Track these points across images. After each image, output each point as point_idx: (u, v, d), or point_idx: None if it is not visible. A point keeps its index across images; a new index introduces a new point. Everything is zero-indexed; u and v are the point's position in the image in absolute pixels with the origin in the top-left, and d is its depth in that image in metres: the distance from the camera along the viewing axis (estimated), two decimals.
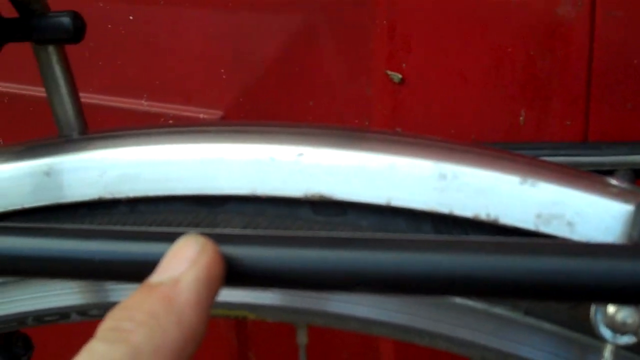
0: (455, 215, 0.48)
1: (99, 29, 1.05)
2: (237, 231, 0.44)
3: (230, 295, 0.56)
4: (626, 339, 0.44)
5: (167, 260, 0.41)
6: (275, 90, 1.05)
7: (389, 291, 0.42)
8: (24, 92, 1.22)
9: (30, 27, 0.58)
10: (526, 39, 0.86)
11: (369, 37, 0.96)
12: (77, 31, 0.58)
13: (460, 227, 0.49)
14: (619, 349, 0.46)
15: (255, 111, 1.07)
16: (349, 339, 1.13)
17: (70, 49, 0.59)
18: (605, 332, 0.45)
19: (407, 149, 0.49)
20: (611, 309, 0.44)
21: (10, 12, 0.57)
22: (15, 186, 0.55)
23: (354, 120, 1.01)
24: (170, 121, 1.11)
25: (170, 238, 0.42)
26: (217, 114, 1.09)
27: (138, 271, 0.42)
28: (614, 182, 0.49)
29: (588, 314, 0.46)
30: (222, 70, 1.07)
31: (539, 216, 0.46)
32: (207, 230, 0.44)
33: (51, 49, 0.59)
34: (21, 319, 0.61)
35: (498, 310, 0.51)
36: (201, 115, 1.09)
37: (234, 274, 0.41)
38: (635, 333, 0.44)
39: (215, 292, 0.40)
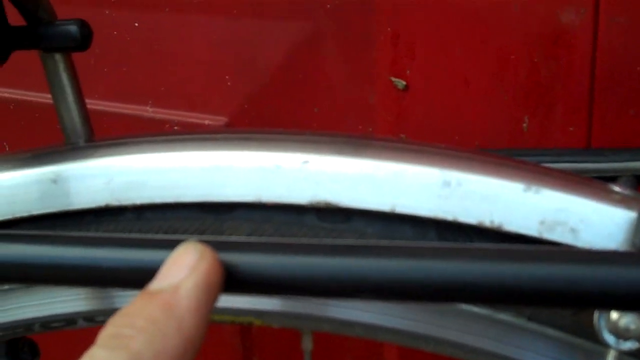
0: (459, 222, 0.48)
1: (104, 36, 1.05)
2: (235, 238, 0.45)
3: (236, 301, 0.56)
4: (629, 345, 0.45)
5: (167, 268, 0.41)
6: (279, 97, 1.05)
7: (386, 298, 0.42)
8: (29, 98, 1.23)
9: (38, 35, 0.58)
10: (529, 46, 0.86)
11: (373, 44, 0.96)
12: (84, 39, 0.58)
13: (464, 233, 0.49)
14: (622, 355, 0.46)
15: (259, 117, 1.07)
16: (353, 344, 1.13)
17: (75, 55, 0.60)
18: (609, 338, 0.45)
19: (412, 157, 0.50)
20: (614, 315, 0.44)
21: (17, 21, 0.58)
22: (22, 193, 0.55)
23: (358, 127, 1.01)
24: (175, 127, 1.11)
25: (170, 245, 0.42)
26: (221, 120, 1.10)
27: (138, 278, 0.43)
28: (617, 189, 0.49)
29: (591, 320, 0.46)
30: (227, 77, 1.07)
31: (542, 223, 0.46)
32: (205, 237, 0.45)
33: (58, 56, 0.59)
34: (28, 325, 0.61)
35: (502, 316, 0.51)
36: (206, 122, 1.10)
37: (233, 280, 0.42)
38: (638, 339, 0.44)
39: (214, 299, 0.41)
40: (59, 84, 0.60)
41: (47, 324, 0.61)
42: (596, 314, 0.45)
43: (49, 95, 0.60)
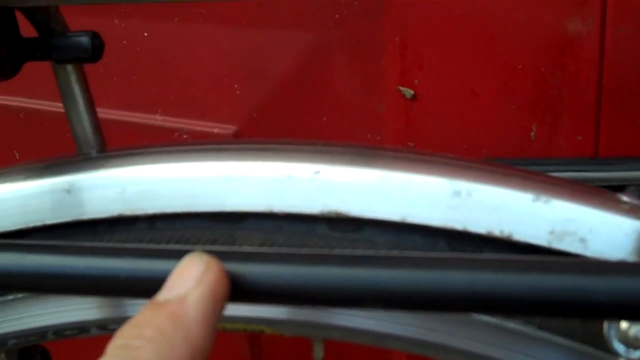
0: (469, 231, 0.48)
1: (114, 45, 1.06)
2: (240, 248, 0.45)
3: (247, 309, 0.57)
4: (639, 354, 0.45)
5: (174, 278, 0.42)
6: (288, 106, 1.06)
7: (390, 308, 0.42)
8: (39, 107, 1.23)
9: (50, 47, 0.58)
10: (537, 56, 0.86)
11: (382, 54, 0.96)
12: (96, 50, 0.58)
13: (474, 243, 0.49)
14: None
15: (268, 126, 1.07)
16: (363, 352, 1.13)
17: (85, 64, 0.60)
18: (619, 347, 0.45)
19: (422, 167, 0.50)
20: (624, 324, 0.45)
21: (30, 32, 0.58)
22: (36, 203, 0.56)
23: (366, 136, 1.02)
24: (185, 136, 1.12)
25: (177, 256, 0.43)
26: (230, 128, 1.10)
27: (146, 288, 0.43)
28: (625, 198, 0.49)
29: (601, 329, 0.46)
30: (236, 86, 1.07)
31: (552, 233, 0.47)
32: (209, 247, 0.45)
33: (70, 67, 0.60)
34: (42, 333, 0.61)
35: (512, 324, 0.51)
36: (215, 130, 1.10)
37: (238, 290, 0.42)
38: None
39: (220, 309, 0.41)
40: (71, 95, 0.60)
41: (60, 331, 0.61)
42: (606, 323, 0.46)
43: (59, 104, 0.60)
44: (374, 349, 1.04)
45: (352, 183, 0.50)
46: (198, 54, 1.09)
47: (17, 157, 1.29)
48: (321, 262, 0.42)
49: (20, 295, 0.61)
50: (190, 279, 0.41)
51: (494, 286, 0.40)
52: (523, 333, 0.51)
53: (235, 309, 0.57)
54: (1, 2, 0.53)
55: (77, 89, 0.60)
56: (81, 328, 0.61)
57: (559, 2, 0.84)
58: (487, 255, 0.47)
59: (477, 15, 0.88)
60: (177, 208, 0.53)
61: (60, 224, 0.56)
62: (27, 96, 1.24)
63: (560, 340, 0.50)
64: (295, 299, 0.43)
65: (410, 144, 0.97)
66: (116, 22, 1.11)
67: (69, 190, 0.55)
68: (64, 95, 0.60)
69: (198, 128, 1.11)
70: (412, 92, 0.94)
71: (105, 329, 0.61)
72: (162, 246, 0.54)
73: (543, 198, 0.47)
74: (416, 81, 0.94)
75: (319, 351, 0.61)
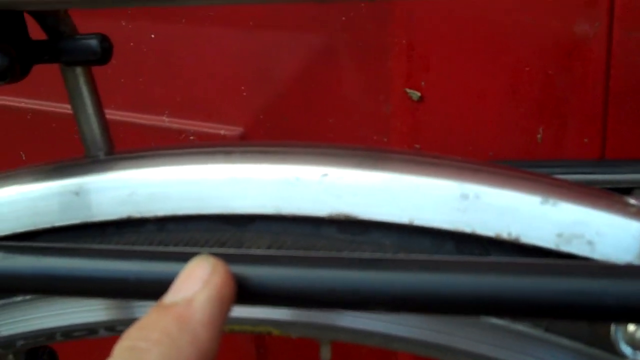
0: (477, 234, 0.48)
1: (121, 47, 1.06)
2: (246, 251, 0.46)
3: (254, 311, 0.57)
4: None
5: (181, 281, 0.42)
6: (294, 107, 1.06)
7: (392, 310, 0.43)
8: (46, 108, 1.23)
9: (59, 49, 0.58)
10: (544, 58, 0.87)
11: (388, 56, 0.97)
12: (105, 53, 0.59)
13: (482, 245, 0.50)
14: None
15: (275, 128, 1.08)
16: (370, 353, 1.13)
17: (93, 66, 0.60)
18: (626, 349, 0.45)
19: (430, 169, 0.50)
20: (631, 327, 0.45)
21: (38, 34, 0.58)
22: (45, 205, 0.56)
23: (373, 137, 1.02)
24: (191, 137, 1.12)
25: (184, 258, 0.43)
26: (237, 130, 1.10)
27: (153, 290, 0.44)
28: (632, 201, 0.49)
29: (608, 331, 0.46)
30: (243, 88, 1.07)
31: (559, 235, 0.47)
32: (215, 250, 0.46)
33: (79, 70, 0.60)
34: (50, 334, 0.62)
35: (519, 327, 0.51)
36: (221, 132, 1.10)
37: (244, 292, 0.43)
38: None
39: (226, 311, 0.42)
40: (80, 97, 0.60)
41: (68, 333, 0.61)
42: (613, 326, 0.46)
43: (66, 105, 0.60)
44: (381, 351, 1.04)
45: (360, 186, 0.50)
46: (205, 56, 1.09)
47: (24, 158, 1.29)
48: (326, 265, 0.43)
49: (28, 296, 0.61)
50: (197, 281, 0.42)
51: (502, 289, 0.40)
52: (530, 335, 0.51)
53: (243, 311, 0.57)
54: (11, 5, 0.53)
55: (85, 92, 0.60)
56: (90, 329, 0.61)
57: (566, 4, 0.84)
58: (495, 258, 0.47)
59: (483, 17, 0.89)
60: (186, 210, 0.54)
61: (69, 226, 0.56)
62: (34, 98, 1.25)
63: (567, 342, 0.50)
64: (300, 301, 0.43)
65: (417, 145, 0.97)
66: (123, 23, 1.11)
67: (77, 193, 0.55)
68: (73, 98, 0.60)
69: (204, 129, 1.11)
70: (418, 94, 0.94)
71: (114, 331, 0.61)
72: (168, 249, 0.54)
73: (551, 201, 0.47)
74: (423, 83, 0.94)
75: (326, 353, 0.61)
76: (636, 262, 0.45)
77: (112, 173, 0.55)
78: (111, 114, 1.11)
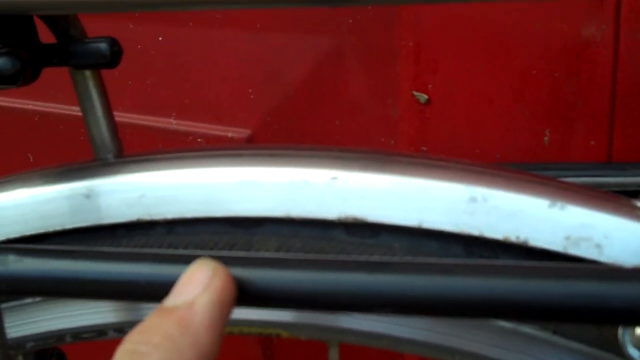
0: (485, 237, 0.49)
1: (129, 50, 1.07)
2: (246, 254, 0.46)
3: (263, 314, 0.57)
4: None
5: (182, 284, 0.43)
6: (302, 110, 1.06)
7: (386, 312, 0.43)
8: (53, 110, 1.24)
9: (69, 53, 0.58)
10: (551, 61, 0.87)
11: (396, 59, 0.97)
12: (114, 56, 0.59)
13: (490, 248, 0.50)
14: None
15: (282, 130, 1.08)
16: (377, 355, 1.13)
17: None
18: (633, 352, 0.46)
19: (438, 172, 0.50)
20: (639, 329, 0.45)
21: (48, 38, 0.59)
22: (56, 208, 0.56)
23: (380, 140, 1.02)
24: (199, 139, 1.12)
25: (186, 261, 0.43)
26: (244, 132, 1.10)
27: (155, 292, 0.44)
28: None
29: (616, 334, 0.47)
30: (250, 90, 1.08)
31: (567, 238, 0.47)
32: (214, 252, 0.46)
33: (88, 73, 0.60)
34: (60, 335, 0.62)
35: (527, 329, 0.51)
36: (229, 134, 1.10)
37: (245, 295, 0.43)
38: None
39: (227, 314, 0.42)
40: (89, 100, 0.60)
41: (78, 334, 0.62)
42: (620, 329, 0.46)
43: (73, 107, 0.61)
44: (389, 353, 1.04)
45: (369, 188, 0.50)
46: (212, 58, 1.10)
47: (32, 160, 1.30)
48: (325, 268, 0.43)
49: (37, 299, 0.62)
50: (198, 285, 0.42)
51: (510, 292, 0.40)
52: (538, 338, 0.51)
53: (252, 313, 0.57)
54: (21, 10, 0.53)
55: (94, 95, 0.60)
56: (99, 331, 0.61)
57: (573, 8, 0.84)
58: (503, 261, 0.47)
59: (491, 20, 0.89)
60: (195, 213, 0.54)
61: (79, 229, 0.56)
62: (41, 100, 1.25)
63: (575, 345, 0.50)
64: (299, 303, 0.44)
65: (424, 148, 0.97)
66: (131, 26, 1.12)
67: (87, 195, 0.56)
68: (82, 101, 0.60)
69: (212, 132, 1.12)
70: (426, 96, 0.94)
71: (123, 332, 0.61)
72: (170, 251, 0.54)
73: (559, 204, 0.47)
74: (430, 86, 0.94)
75: (334, 354, 0.61)
76: None
77: (122, 176, 0.56)
78: (119, 116, 1.12)
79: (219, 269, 0.43)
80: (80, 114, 0.61)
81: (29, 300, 0.61)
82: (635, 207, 0.48)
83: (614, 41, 0.83)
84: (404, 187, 0.50)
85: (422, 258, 0.50)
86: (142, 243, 0.56)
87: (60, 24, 0.58)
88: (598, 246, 0.46)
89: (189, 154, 0.57)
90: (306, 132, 1.06)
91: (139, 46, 1.12)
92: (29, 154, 1.30)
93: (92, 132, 0.61)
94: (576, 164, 0.86)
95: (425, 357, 0.56)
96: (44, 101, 1.24)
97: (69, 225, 0.56)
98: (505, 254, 0.49)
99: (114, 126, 0.62)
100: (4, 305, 0.61)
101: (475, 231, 0.49)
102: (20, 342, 0.63)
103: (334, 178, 0.51)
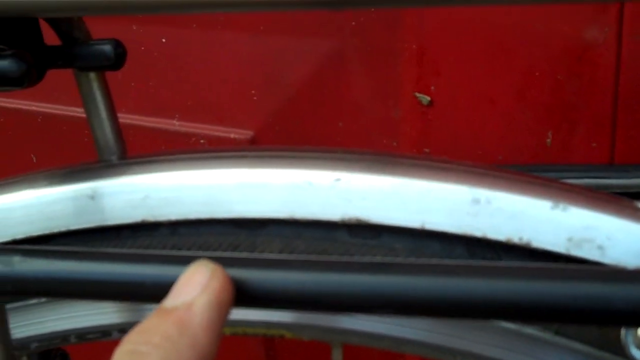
0: (488, 238, 0.49)
1: (132, 51, 1.07)
2: (243, 255, 0.46)
3: (267, 314, 0.57)
4: None
5: (180, 285, 0.43)
6: (304, 112, 1.06)
7: (384, 313, 0.43)
8: (56, 111, 1.24)
9: (73, 55, 0.59)
10: (553, 63, 0.87)
11: (398, 61, 0.97)
12: (118, 58, 0.59)
13: (493, 250, 0.50)
14: None
15: (285, 132, 1.08)
16: (380, 356, 1.13)
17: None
18: (636, 353, 0.46)
19: (441, 174, 0.50)
20: None
21: (53, 40, 0.59)
22: (60, 209, 0.56)
23: (382, 141, 1.02)
24: (202, 141, 1.12)
25: (184, 262, 0.44)
26: (247, 134, 1.10)
27: (153, 293, 0.44)
28: None
29: (618, 335, 0.47)
30: (253, 92, 1.08)
31: (570, 240, 0.47)
32: (209, 253, 0.46)
33: (92, 75, 0.60)
34: (64, 336, 0.62)
35: (530, 330, 0.51)
36: (232, 135, 1.10)
37: (243, 296, 0.43)
38: None
39: (225, 315, 0.42)
40: (93, 102, 0.61)
41: (82, 335, 0.62)
42: (623, 330, 0.46)
43: (76, 109, 0.61)
44: (391, 353, 1.04)
45: (372, 190, 0.51)
46: (215, 60, 1.10)
47: (35, 161, 1.30)
48: (322, 269, 0.43)
49: (42, 299, 0.62)
50: (196, 286, 0.42)
51: (513, 293, 0.41)
52: (540, 339, 0.51)
53: (256, 314, 0.57)
54: (26, 12, 0.53)
55: (99, 96, 0.60)
56: (103, 332, 0.62)
57: (576, 10, 0.84)
58: (506, 263, 0.47)
59: (493, 21, 0.89)
60: (199, 214, 0.54)
61: (84, 230, 0.57)
62: (44, 101, 1.25)
63: (578, 346, 0.50)
64: (297, 304, 0.44)
65: (426, 150, 0.97)
66: (134, 28, 1.12)
67: (92, 197, 0.56)
68: (86, 102, 0.61)
69: (215, 133, 1.12)
70: (428, 98, 0.94)
71: (127, 333, 0.61)
72: (174, 253, 0.54)
73: (561, 205, 0.47)
74: (432, 87, 0.94)
75: (338, 355, 0.62)
76: None
77: (126, 177, 0.56)
78: (122, 118, 1.12)
79: (217, 270, 0.43)
80: (84, 115, 0.61)
81: (33, 300, 0.62)
82: (637, 209, 0.49)
83: (616, 43, 0.83)
84: (406, 189, 0.50)
85: (425, 259, 0.51)
86: (147, 244, 0.56)
87: (65, 26, 0.58)
88: (600, 248, 0.47)
89: (192, 155, 0.57)
90: (309, 133, 1.06)
91: (142, 48, 1.12)
92: (32, 155, 1.30)
93: (96, 133, 0.61)
94: (578, 165, 0.86)
95: (427, 357, 0.56)
96: (47, 102, 1.25)
97: (74, 226, 0.56)
98: (507, 255, 0.49)
99: (118, 128, 0.62)
100: (9, 305, 0.61)
101: (478, 232, 0.49)
102: (25, 342, 0.63)
103: (338, 179, 0.51)
